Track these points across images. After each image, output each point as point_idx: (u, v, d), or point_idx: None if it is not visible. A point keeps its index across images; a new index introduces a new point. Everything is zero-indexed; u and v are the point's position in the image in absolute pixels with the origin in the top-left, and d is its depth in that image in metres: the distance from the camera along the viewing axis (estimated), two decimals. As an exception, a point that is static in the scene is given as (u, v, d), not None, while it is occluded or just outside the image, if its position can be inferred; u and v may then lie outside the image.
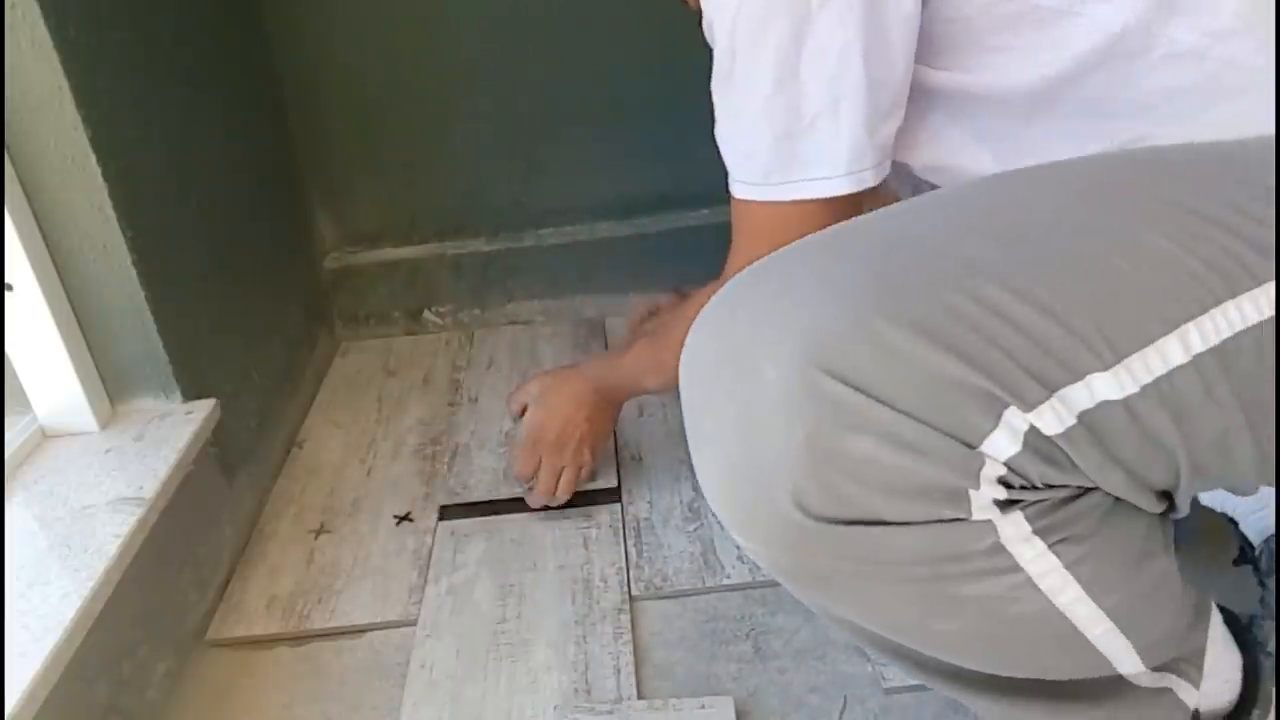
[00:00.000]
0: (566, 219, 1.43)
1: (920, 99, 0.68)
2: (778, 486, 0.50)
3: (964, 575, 0.51)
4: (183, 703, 0.86)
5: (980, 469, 0.48)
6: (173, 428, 0.91)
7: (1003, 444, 0.47)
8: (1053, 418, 0.47)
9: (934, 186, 0.74)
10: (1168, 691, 0.61)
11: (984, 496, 0.48)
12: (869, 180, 0.68)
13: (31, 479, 0.86)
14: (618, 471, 1.10)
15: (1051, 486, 0.50)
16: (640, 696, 0.82)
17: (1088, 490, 0.51)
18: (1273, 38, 0.58)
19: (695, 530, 1.00)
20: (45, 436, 0.91)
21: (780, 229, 0.66)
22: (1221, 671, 0.63)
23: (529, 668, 0.85)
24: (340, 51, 1.30)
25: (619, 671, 0.84)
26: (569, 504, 1.04)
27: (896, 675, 0.80)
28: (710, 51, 0.69)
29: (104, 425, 0.91)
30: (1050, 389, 0.47)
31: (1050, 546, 0.50)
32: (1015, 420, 0.47)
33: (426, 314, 1.47)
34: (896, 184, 0.78)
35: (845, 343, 0.48)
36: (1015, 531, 0.50)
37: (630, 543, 0.99)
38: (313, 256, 1.41)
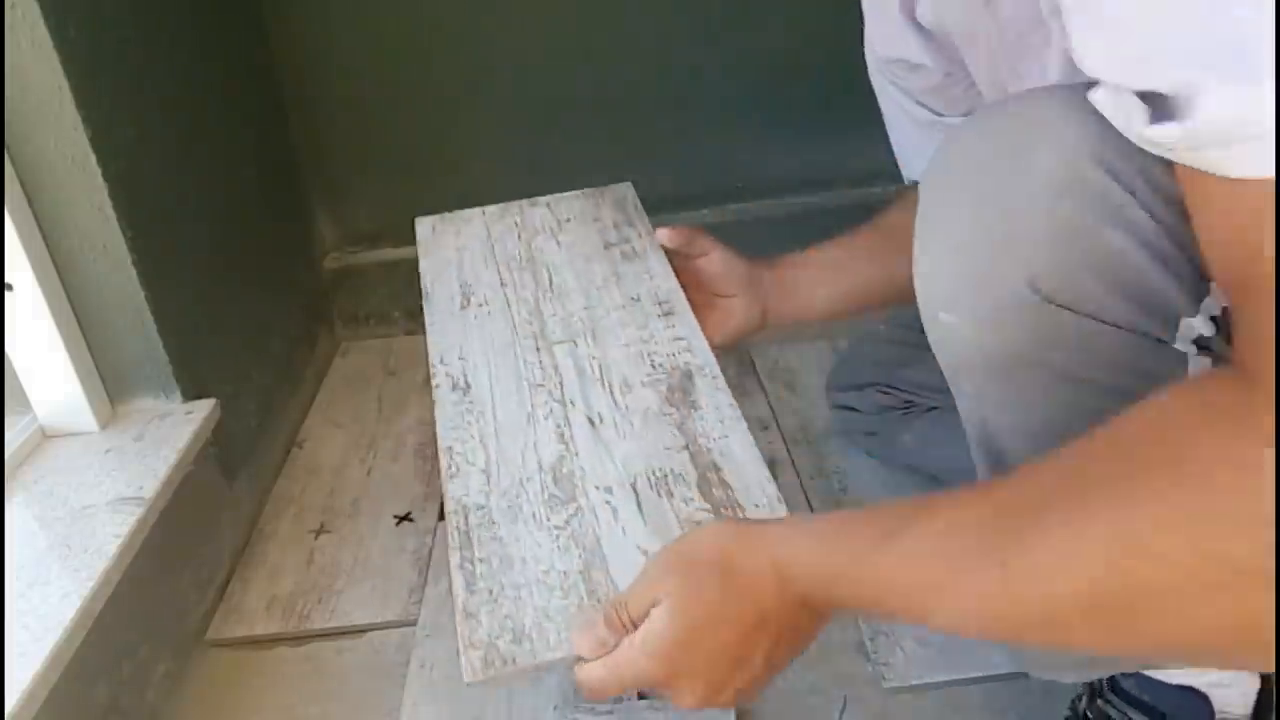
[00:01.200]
0: (566, 219, 1.43)
1: None
2: (1018, 260, 0.51)
3: (1137, 396, 0.50)
4: (183, 703, 0.86)
5: (1204, 299, 0.49)
6: (173, 428, 0.91)
7: None
8: None
9: None
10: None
11: (1193, 329, 0.50)
12: None
13: (31, 479, 0.86)
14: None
15: None
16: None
17: None
18: None
19: (695, 530, 1.00)
20: (45, 436, 0.91)
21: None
22: (1245, 679, 0.63)
23: (529, 668, 0.85)
24: (340, 51, 1.30)
25: (619, 671, 0.84)
26: None
27: (896, 675, 0.81)
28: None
29: (104, 425, 0.91)
30: None
31: None
32: None
33: (426, 314, 1.47)
34: None
35: (1125, 147, 0.48)
36: (1197, 372, 0.51)
37: (630, 543, 0.99)
38: (313, 256, 1.40)
